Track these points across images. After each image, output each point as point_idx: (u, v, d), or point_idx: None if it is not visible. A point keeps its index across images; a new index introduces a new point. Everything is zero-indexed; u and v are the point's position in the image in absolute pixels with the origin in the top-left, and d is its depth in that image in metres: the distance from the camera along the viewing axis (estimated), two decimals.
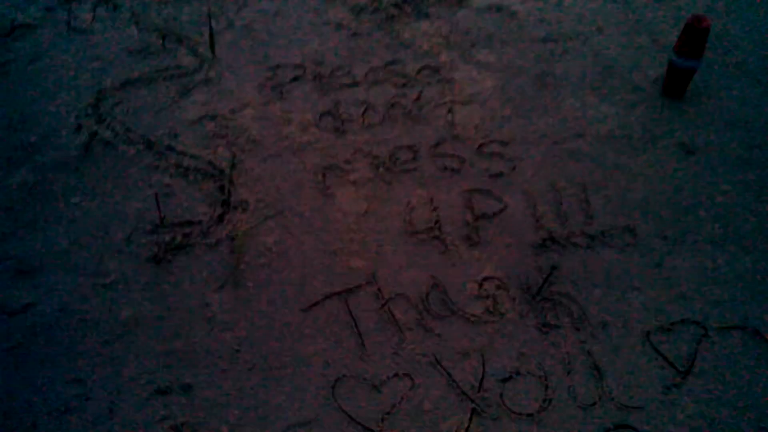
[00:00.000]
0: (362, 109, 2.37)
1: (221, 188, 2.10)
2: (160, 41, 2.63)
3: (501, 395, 1.60)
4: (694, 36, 2.23)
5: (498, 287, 1.84)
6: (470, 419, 1.56)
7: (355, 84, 2.48)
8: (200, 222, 2.01)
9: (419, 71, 2.54)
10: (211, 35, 2.56)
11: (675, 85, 2.39)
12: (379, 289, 1.83)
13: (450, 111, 2.37)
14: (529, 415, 1.57)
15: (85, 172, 2.16)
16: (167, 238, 1.96)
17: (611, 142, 2.27)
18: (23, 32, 2.67)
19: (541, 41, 2.69)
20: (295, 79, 2.50)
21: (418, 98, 2.42)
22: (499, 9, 2.85)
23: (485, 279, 1.86)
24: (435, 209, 2.04)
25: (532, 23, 2.78)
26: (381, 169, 2.16)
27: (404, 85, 2.48)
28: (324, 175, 2.15)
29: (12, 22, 2.72)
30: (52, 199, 2.08)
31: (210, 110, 2.36)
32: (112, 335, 1.74)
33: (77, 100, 2.39)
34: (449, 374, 1.64)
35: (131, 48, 2.60)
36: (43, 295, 1.82)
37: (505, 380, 1.63)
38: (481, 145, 2.24)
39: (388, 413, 1.57)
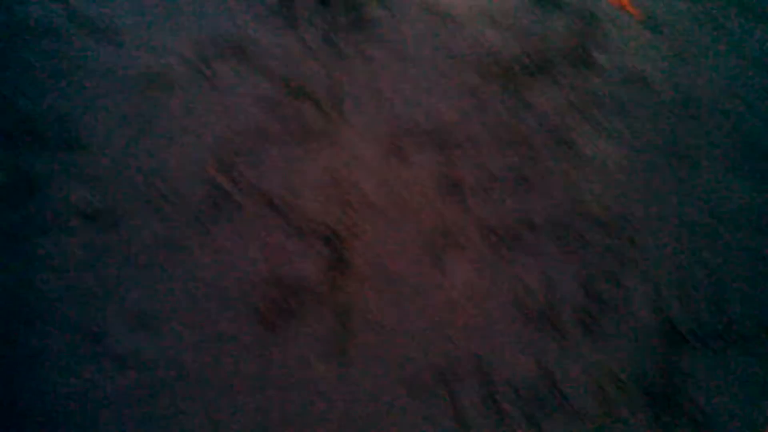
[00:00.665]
0: (481, 174, 2.33)
1: (334, 250, 2.12)
2: (290, 97, 2.69)
3: None
4: None
5: (614, 383, 1.73)
6: None
7: (478, 150, 2.44)
8: (310, 284, 2.02)
9: (544, 140, 2.47)
10: (339, 96, 2.61)
11: None
12: (485, 374, 1.77)
13: (575, 184, 2.28)
14: None
15: (208, 225, 2.23)
16: (278, 298, 1.99)
17: (751, 228, 2.11)
18: (160, 81, 2.82)
19: (674, 110, 2.57)
20: (419, 143, 2.49)
21: (542, 168, 2.35)
22: (629, 73, 2.75)
23: (600, 372, 1.76)
24: (550, 289, 1.96)
25: (665, 89, 2.66)
26: (495, 240, 2.11)
27: (528, 153, 2.42)
28: (436, 243, 2.12)
29: (149, 70, 2.87)
30: (174, 251, 2.16)
31: (331, 170, 2.39)
32: (214, 392, 1.77)
33: (207, 153, 2.48)
34: None
35: (262, 102, 2.69)
36: (153, 345, 1.88)
37: None
38: (603, 221, 2.15)
39: None
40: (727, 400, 1.66)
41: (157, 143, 2.55)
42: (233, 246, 2.16)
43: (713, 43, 2.92)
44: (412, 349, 1.84)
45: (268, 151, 2.48)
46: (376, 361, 1.82)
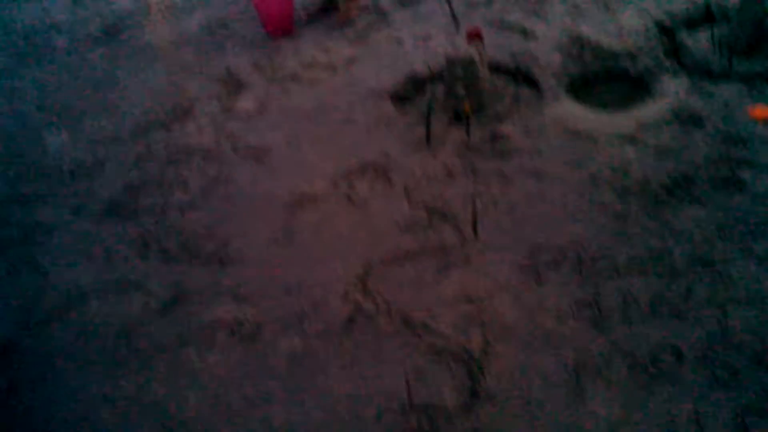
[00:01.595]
0: (624, 301, 2.27)
1: (470, 373, 2.10)
2: (428, 218, 2.77)
3: None
4: None
5: None
6: None
7: (618, 273, 2.38)
8: (446, 408, 2.01)
9: (689, 263, 2.38)
10: (474, 214, 2.65)
11: None
12: None
13: (724, 311, 2.17)
14: None
15: (346, 344, 2.28)
16: (413, 421, 1.98)
17: None
18: (307, 201, 2.98)
19: None
20: (555, 263, 2.47)
21: (687, 294, 2.26)
22: None
23: None
24: (700, 427, 1.84)
25: None
26: (640, 372, 2.02)
27: (671, 277, 2.33)
28: (577, 372, 2.05)
29: (297, 191, 3.04)
30: (312, 366, 2.22)
31: (467, 291, 2.40)
32: None
33: (347, 270, 2.57)
34: None
35: (400, 222, 2.77)
36: None
37: None
38: (759, 355, 2.01)
39: None
40: None
41: (301, 260, 2.67)
42: (370, 365, 2.20)
43: None
44: None
45: (406, 271, 2.54)
46: None
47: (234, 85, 4.06)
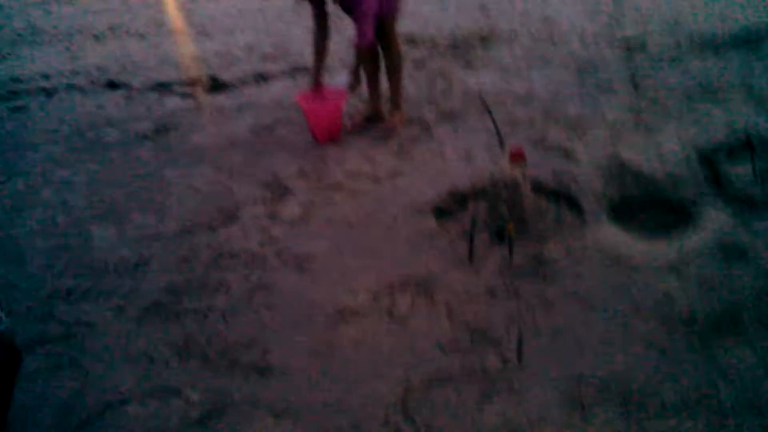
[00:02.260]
0: None
1: None
2: (470, 339, 2.75)
3: None
4: None
5: None
6: None
7: (665, 412, 2.33)
8: None
9: (737, 406, 2.33)
10: (520, 340, 2.63)
11: None
12: None
13: None
14: None
15: None
16: None
17: None
18: (348, 314, 2.98)
19: None
20: (600, 397, 2.43)
21: None
22: None
23: None
24: None
25: None
26: None
27: (720, 420, 2.28)
28: None
29: (339, 303, 3.06)
30: None
31: (509, 421, 2.36)
32: None
33: (387, 390, 2.55)
34: None
35: (443, 343, 2.76)
36: None
37: None
38: None
39: None
40: None
41: (342, 377, 2.66)
42: None
43: None
44: None
45: (447, 394, 2.51)
46: None
47: (279, 190, 4.16)
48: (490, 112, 3.73)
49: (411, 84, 5.81)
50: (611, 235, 3.36)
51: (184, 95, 6.34)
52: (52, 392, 2.73)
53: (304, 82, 4.95)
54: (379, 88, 5.06)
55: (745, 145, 4.06)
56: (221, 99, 6.13)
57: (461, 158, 4.32)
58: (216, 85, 6.53)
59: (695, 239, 3.25)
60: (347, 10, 4.46)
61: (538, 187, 3.78)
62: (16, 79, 7.53)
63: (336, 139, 4.79)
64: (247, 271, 3.39)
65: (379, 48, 4.80)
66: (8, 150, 5.45)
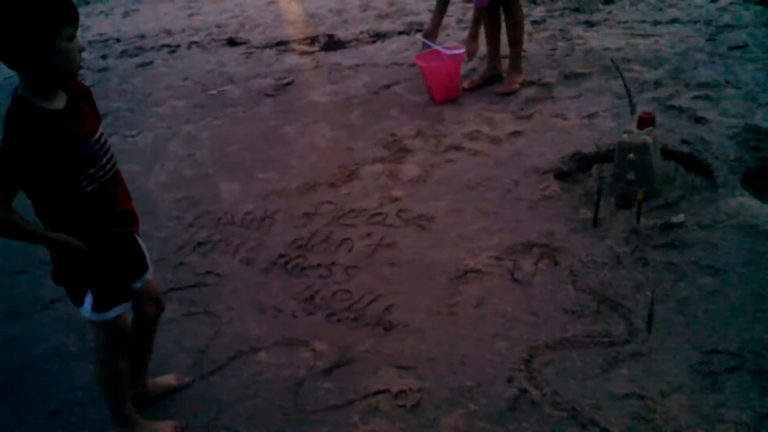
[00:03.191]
0: None
1: None
2: (596, 305, 2.71)
3: None
4: None
5: None
6: None
7: None
8: None
9: None
10: (651, 310, 2.57)
11: None
12: None
13: None
14: None
15: (510, 428, 2.26)
16: None
17: None
18: (470, 277, 2.99)
19: None
20: (733, 369, 2.35)
21: None
22: None
23: None
24: None
25: None
26: None
27: None
28: None
29: (461, 265, 3.07)
30: None
31: (638, 388, 2.32)
32: None
33: (511, 351, 2.55)
34: None
35: (567, 308, 2.73)
36: None
37: None
38: None
39: None
40: None
41: (464, 335, 2.68)
42: None
43: None
44: None
45: (572, 359, 2.49)
46: None
47: (398, 150, 4.18)
48: (621, 76, 3.59)
49: (531, 44, 5.68)
50: (744, 203, 3.20)
51: (301, 53, 6.44)
52: (187, 338, 2.89)
53: (420, 41, 4.91)
54: (498, 47, 4.98)
55: None
56: (338, 57, 6.19)
57: (584, 121, 4.20)
58: (332, 43, 6.60)
59: None
60: None
61: (667, 153, 3.64)
62: (141, 36, 7.86)
63: (454, 99, 4.76)
64: (368, 228, 3.45)
65: (500, 7, 4.71)
66: (137, 105, 5.72)
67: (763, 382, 2.29)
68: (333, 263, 3.23)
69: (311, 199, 3.79)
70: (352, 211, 3.61)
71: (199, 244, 3.55)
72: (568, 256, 3.04)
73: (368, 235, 3.39)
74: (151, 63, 6.88)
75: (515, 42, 4.81)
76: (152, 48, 7.36)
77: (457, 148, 4.10)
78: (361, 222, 3.50)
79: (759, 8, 5.83)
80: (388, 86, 5.25)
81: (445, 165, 3.94)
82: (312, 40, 6.79)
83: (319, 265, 3.23)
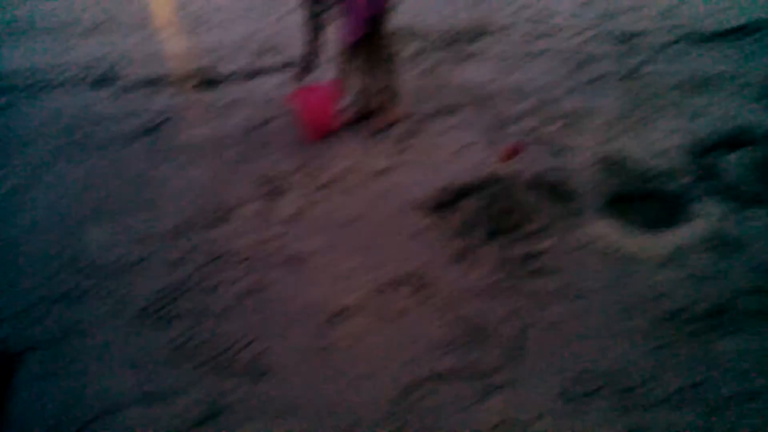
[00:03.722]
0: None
1: None
2: (469, 336, 2.74)
3: None
4: None
5: None
6: None
7: (661, 404, 2.33)
8: None
9: (732, 396, 2.33)
10: (517, 336, 2.61)
11: None
12: None
13: None
14: None
15: None
16: None
17: None
18: (347, 315, 2.96)
19: None
20: (598, 390, 2.42)
21: (733, 428, 2.20)
22: None
23: None
24: None
25: None
26: None
27: (716, 410, 2.28)
28: None
29: (331, 300, 3.03)
30: None
31: (508, 416, 2.35)
32: None
33: (386, 388, 2.53)
34: None
35: (440, 340, 2.74)
36: None
37: None
38: None
39: None
40: None
41: (339, 375, 2.64)
42: None
43: None
44: None
45: (446, 391, 2.50)
46: None
47: (273, 188, 4.12)
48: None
49: (406, 78, 5.77)
50: (606, 228, 3.34)
51: (175, 91, 6.28)
52: (49, 396, 2.71)
53: (297, 77, 4.89)
54: (372, 83, 5.02)
55: (737, 138, 4.04)
56: (213, 95, 6.07)
57: (457, 153, 4.29)
58: (208, 81, 6.48)
59: (690, 232, 3.24)
60: (338, 6, 4.41)
61: (533, 182, 3.75)
62: (2, 76, 7.46)
63: (330, 135, 4.75)
64: (241, 270, 3.36)
65: (372, 44, 4.76)
66: None
67: (626, 401, 2.36)
68: (205, 309, 3.12)
69: (183, 242, 3.66)
70: (225, 253, 3.51)
71: (63, 295, 3.35)
72: (441, 288, 3.06)
73: (241, 277, 3.30)
74: (12, 104, 6.53)
75: (389, 77, 4.87)
76: (14, 89, 6.99)
77: (333, 184, 4.09)
78: (234, 264, 3.41)
79: (619, 43, 6.16)
80: (265, 123, 5.19)
81: (321, 202, 3.91)
82: (188, 76, 6.65)
83: (190, 311, 3.11)
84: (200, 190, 4.24)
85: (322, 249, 3.46)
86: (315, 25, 4.58)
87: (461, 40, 6.80)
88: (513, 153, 3.46)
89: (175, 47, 7.77)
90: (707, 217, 3.32)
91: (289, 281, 3.24)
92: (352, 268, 3.27)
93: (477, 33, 6.99)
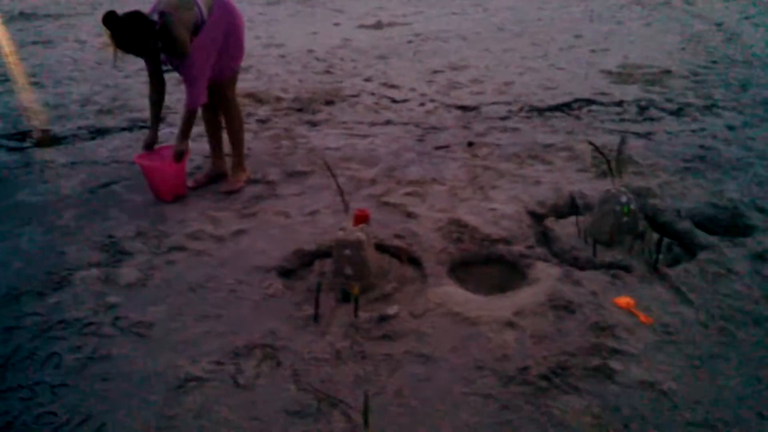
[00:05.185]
0: None
1: None
2: (317, 404, 2.74)
3: None
4: None
5: None
6: None
7: None
8: None
9: None
10: (366, 404, 2.64)
11: None
12: None
13: None
14: None
15: None
16: None
17: None
18: (193, 385, 2.88)
19: (696, 426, 2.59)
20: None
21: None
22: (650, 386, 2.81)
23: None
24: None
25: (685, 404, 2.71)
26: None
27: None
28: None
29: (177, 370, 2.95)
30: None
31: None
32: None
33: None
34: None
35: (289, 409, 2.72)
36: None
37: None
38: None
39: None
40: None
41: None
42: None
43: (724, 351, 3.02)
44: None
45: None
46: None
47: (116, 252, 3.97)
48: (333, 175, 3.79)
49: (255, 142, 5.81)
50: (451, 292, 3.49)
51: (11, 149, 5.94)
52: None
53: (143, 138, 4.80)
54: (220, 146, 5.02)
55: (570, 206, 4.39)
56: (53, 154, 5.80)
57: (306, 218, 4.34)
58: (48, 139, 6.18)
59: (528, 295, 3.44)
60: (179, 71, 4.40)
61: (381, 247, 3.86)
62: None
63: (177, 198, 4.67)
64: (80, 340, 3.19)
65: (219, 107, 4.78)
66: None
67: None
68: (37, 383, 2.92)
69: (14, 311, 3.42)
70: (61, 322, 3.32)
71: None
72: (291, 355, 3.06)
73: (79, 347, 3.13)
74: None
75: (236, 141, 4.89)
76: None
77: (180, 248, 4.00)
78: (71, 334, 3.23)
79: (461, 114, 6.54)
80: (107, 185, 5.02)
81: (167, 267, 3.81)
82: (23, 135, 6.31)
83: (20, 386, 2.90)
84: (35, 254, 4.01)
85: (169, 315, 3.36)
86: (158, 89, 4.54)
87: (311, 107, 6.95)
88: (361, 218, 3.56)
89: (15, 102, 7.38)
90: (545, 280, 3.55)
91: (132, 350, 3.11)
92: (200, 336, 3.19)
93: (326, 101, 7.18)
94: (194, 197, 4.74)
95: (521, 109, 6.72)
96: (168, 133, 5.55)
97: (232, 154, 4.96)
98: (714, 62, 8.52)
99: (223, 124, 4.88)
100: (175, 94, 6.77)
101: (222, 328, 3.26)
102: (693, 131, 6.02)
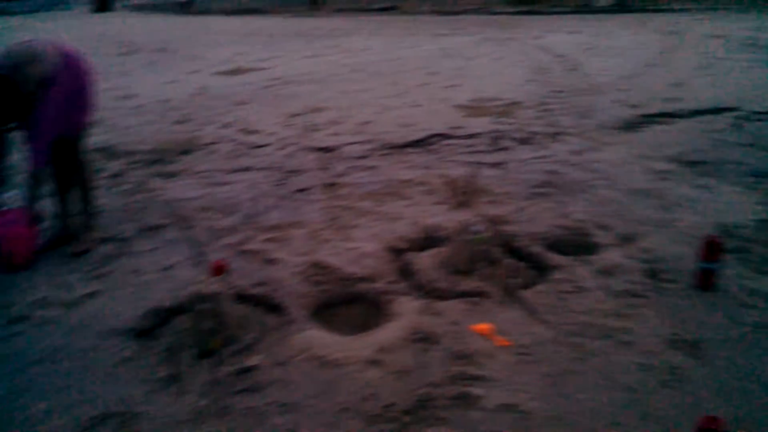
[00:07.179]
0: None
1: None
2: None
3: None
4: None
5: None
6: None
7: None
8: None
9: None
10: None
11: None
12: None
13: None
14: None
15: None
16: None
17: None
18: None
19: None
20: None
21: None
22: (511, 408, 2.86)
23: None
24: None
25: (545, 422, 2.77)
26: None
27: None
28: None
29: None
30: None
31: None
32: None
33: None
34: None
35: None
36: None
37: None
38: None
39: None
40: None
41: None
42: None
43: (578, 366, 3.13)
44: None
45: None
46: None
47: None
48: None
49: (107, 198, 5.55)
50: (314, 336, 3.44)
51: None
52: None
53: None
54: (67, 206, 4.76)
55: (429, 238, 4.46)
56: None
57: (162, 273, 4.17)
58: None
59: (390, 331, 3.44)
60: (22, 129, 4.16)
61: (241, 297, 3.76)
62: None
63: (22, 263, 4.35)
64: None
65: (65, 165, 4.54)
66: None
67: None
68: None
69: None
70: None
71: None
72: (148, 420, 2.89)
73: None
74: None
75: (85, 199, 4.66)
76: None
77: (24, 319, 3.73)
78: None
79: (319, 156, 6.55)
80: None
81: (10, 339, 3.53)
82: None
83: None
84: None
85: (8, 395, 3.10)
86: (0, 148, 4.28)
87: (165, 158, 6.76)
88: (220, 269, 3.45)
89: None
90: (406, 314, 3.56)
91: None
92: (44, 413, 2.96)
93: (181, 150, 7.01)
94: (41, 262, 4.44)
95: (379, 147, 6.82)
96: (14, 195, 5.20)
97: (83, 212, 4.71)
98: (559, 92, 9.02)
99: (72, 181, 4.64)
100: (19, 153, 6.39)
101: (73, 398, 3.05)
102: (541, 158, 6.31)
